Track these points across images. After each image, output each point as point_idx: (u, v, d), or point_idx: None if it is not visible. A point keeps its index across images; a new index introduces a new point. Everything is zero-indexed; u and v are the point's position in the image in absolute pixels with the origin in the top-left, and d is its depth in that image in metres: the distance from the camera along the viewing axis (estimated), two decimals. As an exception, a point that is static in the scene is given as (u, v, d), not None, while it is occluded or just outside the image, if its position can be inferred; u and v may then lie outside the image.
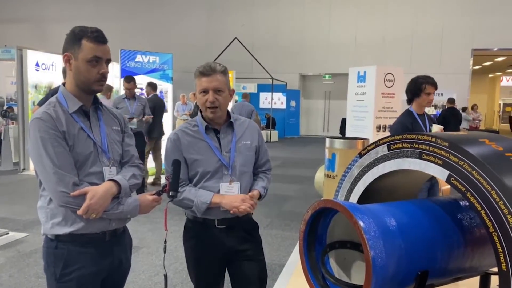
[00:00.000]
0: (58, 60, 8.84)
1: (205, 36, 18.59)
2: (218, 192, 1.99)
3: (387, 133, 4.04)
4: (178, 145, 2.00)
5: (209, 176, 1.99)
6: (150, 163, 7.44)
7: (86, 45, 1.60)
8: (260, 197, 2.11)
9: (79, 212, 1.57)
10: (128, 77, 6.49)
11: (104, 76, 1.65)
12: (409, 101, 3.59)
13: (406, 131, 2.87)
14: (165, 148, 2.07)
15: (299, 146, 15.49)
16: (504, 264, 0.96)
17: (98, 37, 1.62)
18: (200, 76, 1.95)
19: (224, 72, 1.99)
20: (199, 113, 2.07)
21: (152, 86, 7.18)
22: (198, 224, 2.03)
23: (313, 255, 1.22)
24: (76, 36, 1.61)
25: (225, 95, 1.98)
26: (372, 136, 3.86)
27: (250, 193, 2.03)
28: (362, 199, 1.38)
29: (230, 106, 2.08)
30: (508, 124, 25.30)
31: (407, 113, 3.55)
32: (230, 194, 1.99)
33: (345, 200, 1.43)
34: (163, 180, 7.45)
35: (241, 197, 1.94)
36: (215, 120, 2.02)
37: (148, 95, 7.12)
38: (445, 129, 10.02)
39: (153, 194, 1.77)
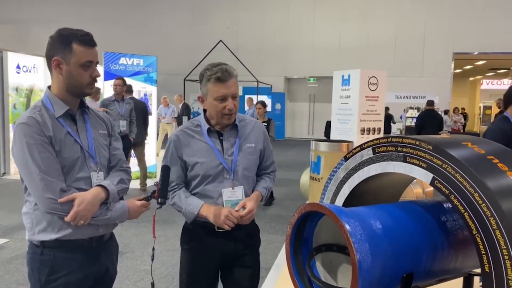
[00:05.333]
0: (39, 63, 8.69)
1: (190, 38, 18.54)
2: (220, 196, 1.93)
3: (371, 136, 4.08)
4: (178, 147, 1.93)
5: (210, 179, 1.92)
6: (134, 167, 7.36)
7: (78, 49, 1.57)
8: (262, 198, 2.06)
9: (67, 218, 1.54)
10: (119, 77, 6.72)
11: (95, 80, 1.64)
12: (505, 107, 3.20)
13: (506, 138, 2.72)
14: (165, 149, 1.99)
15: (284, 148, 15.54)
16: (487, 266, 0.97)
17: (90, 41, 1.61)
18: (216, 82, 1.85)
19: (237, 76, 1.92)
20: (202, 114, 2.00)
21: (127, 88, 7.13)
22: (198, 226, 1.96)
23: (299, 258, 1.22)
24: (65, 40, 1.58)
25: (238, 99, 1.92)
26: (357, 139, 3.89)
27: (245, 199, 1.96)
28: (348, 202, 1.38)
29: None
30: (485, 127, 25.78)
31: (504, 119, 3.18)
32: (233, 199, 1.94)
33: (331, 202, 1.43)
34: (149, 184, 7.42)
35: (225, 214, 1.85)
36: (223, 125, 1.95)
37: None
38: (422, 132, 10.00)
39: (142, 200, 1.75)
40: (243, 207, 1.92)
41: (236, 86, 1.91)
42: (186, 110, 11.51)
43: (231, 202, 1.93)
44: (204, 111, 1.99)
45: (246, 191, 1.97)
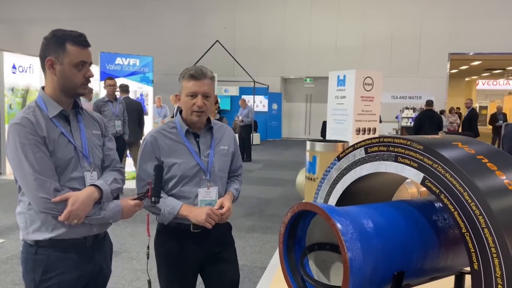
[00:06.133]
0: (35, 63, 8.66)
1: (186, 38, 18.51)
2: (196, 197, 1.97)
3: (366, 136, 4.10)
4: (155, 148, 1.96)
5: (187, 180, 1.96)
6: (130, 167, 7.34)
7: (71, 49, 1.59)
8: (234, 198, 2.12)
9: (61, 218, 1.54)
10: (110, 77, 6.70)
11: (88, 80, 1.65)
12: None
13: None
14: (141, 150, 2.01)
15: (281, 148, 15.55)
16: (476, 264, 0.99)
17: (84, 41, 1.62)
18: (189, 79, 1.94)
19: (213, 78, 2.01)
20: (178, 115, 2.04)
21: (123, 88, 7.11)
22: (172, 229, 1.98)
23: (292, 257, 1.23)
24: (59, 40, 1.59)
25: (211, 101, 1.99)
26: (352, 139, 3.91)
27: (222, 199, 2.02)
28: (341, 201, 1.40)
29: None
30: (483, 126, 25.91)
31: None
32: (207, 199, 1.99)
33: (324, 202, 1.45)
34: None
35: (206, 212, 1.90)
36: (197, 124, 2.00)
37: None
38: (420, 132, 9.95)
39: (135, 199, 1.75)
40: (221, 206, 1.98)
41: (209, 87, 1.97)
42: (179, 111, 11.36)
43: (205, 202, 1.98)
44: (180, 112, 2.04)
45: (220, 192, 2.03)
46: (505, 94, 28.37)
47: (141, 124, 7.33)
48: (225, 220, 2.00)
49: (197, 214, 1.90)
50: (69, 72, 1.61)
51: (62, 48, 1.59)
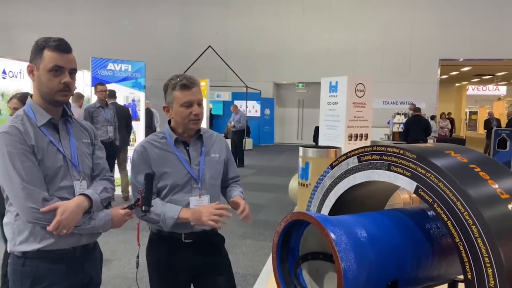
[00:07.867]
0: (26, 68, 8.58)
1: (179, 44, 18.50)
2: (187, 205, 1.95)
3: (358, 142, 4.11)
4: (146, 158, 1.95)
5: (178, 189, 1.95)
6: (117, 174, 7.25)
7: (47, 54, 1.57)
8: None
9: (49, 228, 1.51)
10: (101, 83, 6.58)
11: (67, 86, 1.60)
12: None
13: None
14: (132, 161, 2.00)
15: (274, 154, 15.55)
16: (470, 273, 0.99)
17: (59, 46, 1.58)
18: (182, 89, 1.92)
19: (199, 85, 2.01)
20: (167, 125, 2.04)
21: (109, 94, 7.05)
22: (163, 238, 1.97)
23: (286, 267, 1.22)
24: (39, 47, 1.58)
25: (202, 107, 2.00)
26: (344, 145, 3.91)
27: (231, 200, 2.05)
28: (334, 210, 1.39)
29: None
30: (474, 131, 26.19)
31: None
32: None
33: (318, 211, 1.44)
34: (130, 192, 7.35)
35: (208, 210, 1.87)
36: (191, 132, 2.00)
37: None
38: (408, 137, 10.41)
39: (125, 208, 1.74)
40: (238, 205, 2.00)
41: (201, 94, 1.99)
42: (147, 116, 9.51)
43: None
44: (169, 122, 2.04)
45: (213, 200, 2.02)
46: (494, 99, 28.71)
47: (128, 130, 7.27)
48: (249, 218, 1.98)
49: (199, 215, 1.86)
50: (44, 78, 1.58)
51: (40, 54, 1.58)
